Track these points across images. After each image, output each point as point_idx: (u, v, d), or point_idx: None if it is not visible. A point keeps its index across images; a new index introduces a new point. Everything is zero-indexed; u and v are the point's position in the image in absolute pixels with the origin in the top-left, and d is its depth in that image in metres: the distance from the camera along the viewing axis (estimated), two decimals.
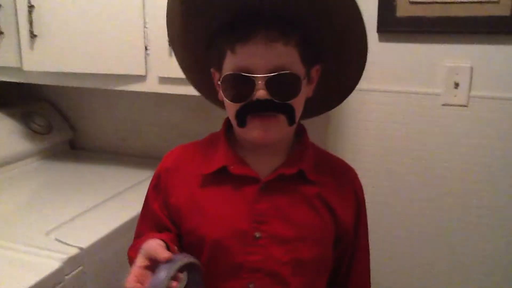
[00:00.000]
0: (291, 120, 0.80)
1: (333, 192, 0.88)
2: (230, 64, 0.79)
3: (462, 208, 1.40)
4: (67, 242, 1.09)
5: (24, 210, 1.31)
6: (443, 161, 1.40)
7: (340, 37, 0.82)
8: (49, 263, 1.00)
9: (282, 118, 0.79)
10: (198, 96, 1.34)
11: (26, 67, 1.44)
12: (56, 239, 1.10)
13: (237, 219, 0.83)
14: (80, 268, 1.06)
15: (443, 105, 1.37)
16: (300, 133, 0.91)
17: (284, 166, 0.85)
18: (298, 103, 0.80)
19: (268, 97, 0.76)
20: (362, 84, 1.44)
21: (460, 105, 1.35)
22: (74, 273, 1.04)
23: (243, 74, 0.76)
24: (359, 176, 0.93)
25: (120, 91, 1.45)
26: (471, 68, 1.32)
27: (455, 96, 1.35)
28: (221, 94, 0.83)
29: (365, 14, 1.37)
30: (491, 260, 1.40)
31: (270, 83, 0.76)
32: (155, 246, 0.75)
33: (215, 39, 0.82)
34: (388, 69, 1.40)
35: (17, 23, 1.42)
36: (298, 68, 0.79)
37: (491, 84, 1.32)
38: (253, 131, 0.81)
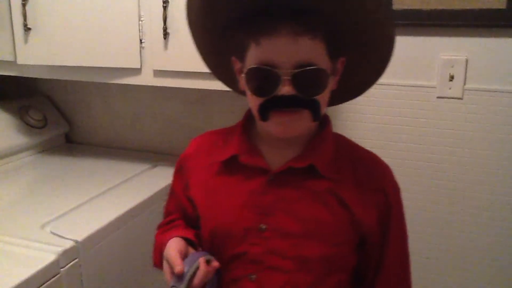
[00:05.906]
0: (316, 115, 0.77)
1: (351, 189, 0.82)
2: (254, 56, 0.75)
3: (458, 200, 1.41)
4: (62, 235, 1.09)
5: (19, 204, 1.31)
6: (438, 154, 1.40)
7: (365, 29, 0.78)
8: (44, 256, 1.00)
9: (307, 113, 0.76)
10: (195, 89, 1.35)
11: (20, 60, 1.43)
12: (52, 232, 1.10)
13: (244, 209, 0.83)
14: (76, 260, 1.06)
15: (438, 97, 1.37)
16: (324, 125, 0.87)
17: (295, 159, 0.82)
18: (323, 98, 0.77)
19: (293, 93, 0.73)
20: None
21: (455, 98, 1.35)
22: (69, 265, 1.04)
23: (268, 68, 0.73)
24: None
25: (116, 84, 1.45)
26: (466, 61, 1.32)
27: (450, 88, 1.35)
28: (242, 84, 0.80)
29: None
30: (489, 254, 1.41)
31: (296, 79, 0.73)
32: (173, 256, 0.78)
33: (237, 28, 0.77)
34: None
35: (10, 16, 1.40)
36: (324, 62, 0.76)
37: (486, 77, 1.32)
38: (275, 126, 0.78)
